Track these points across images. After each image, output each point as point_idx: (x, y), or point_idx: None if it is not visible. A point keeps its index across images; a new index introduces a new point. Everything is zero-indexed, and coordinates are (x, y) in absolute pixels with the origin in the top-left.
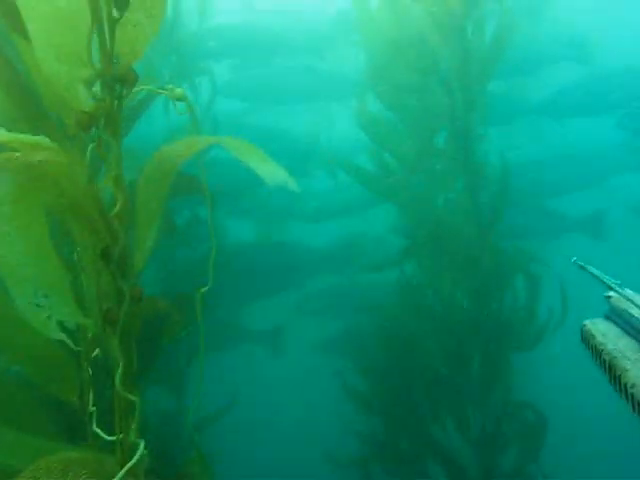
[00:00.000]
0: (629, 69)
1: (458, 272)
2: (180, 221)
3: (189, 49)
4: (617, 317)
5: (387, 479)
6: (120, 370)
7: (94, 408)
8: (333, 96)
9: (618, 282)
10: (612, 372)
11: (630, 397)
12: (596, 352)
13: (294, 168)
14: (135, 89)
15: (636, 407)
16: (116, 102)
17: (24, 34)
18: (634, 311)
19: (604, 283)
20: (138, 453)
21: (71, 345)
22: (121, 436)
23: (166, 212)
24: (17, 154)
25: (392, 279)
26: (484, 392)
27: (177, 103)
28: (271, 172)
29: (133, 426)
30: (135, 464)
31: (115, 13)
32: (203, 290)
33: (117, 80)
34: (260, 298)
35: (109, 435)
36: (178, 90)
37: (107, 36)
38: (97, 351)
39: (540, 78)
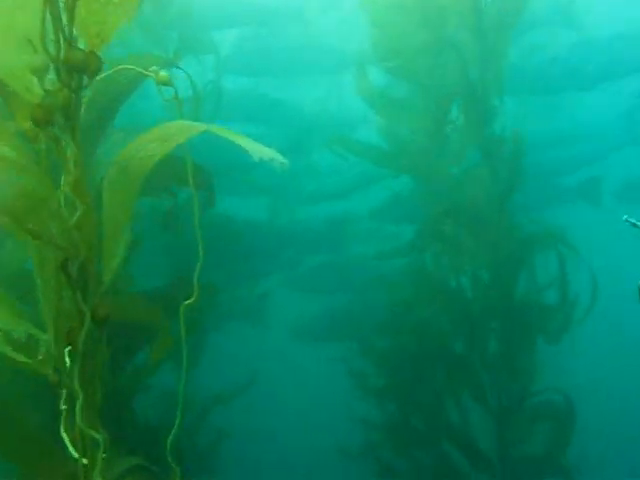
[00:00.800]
0: (623, 36)
1: (475, 247)
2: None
3: (189, 21)
4: None
5: (401, 463)
6: (80, 403)
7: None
8: (340, 69)
9: None
10: None
11: None
12: None
13: (298, 144)
14: (117, 69)
15: None
16: (74, 94)
17: None
18: None
19: None
20: None
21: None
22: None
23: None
24: None
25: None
26: (504, 374)
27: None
28: (259, 149)
29: (98, 466)
30: None
31: None
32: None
33: (76, 68)
34: (257, 277)
35: None
36: (162, 74)
37: (64, 17)
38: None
39: (527, 43)
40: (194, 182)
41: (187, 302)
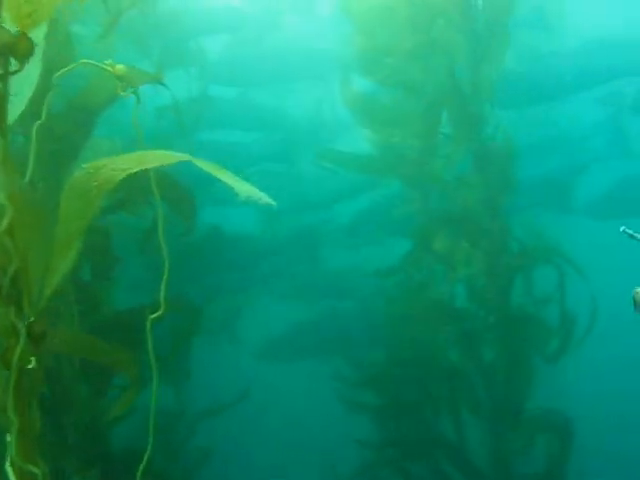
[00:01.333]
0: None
1: (469, 256)
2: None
3: (175, 28)
4: None
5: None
6: (15, 433)
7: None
8: (328, 75)
9: None
10: None
11: None
12: None
13: (285, 151)
14: (73, 65)
15: None
16: (0, 80)
17: None
18: None
19: None
20: None
21: None
22: None
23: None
24: None
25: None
26: (501, 388)
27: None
28: (245, 188)
29: None
30: None
31: None
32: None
33: (2, 51)
34: (239, 289)
35: None
36: (119, 67)
37: None
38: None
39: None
40: (173, 198)
41: (153, 316)
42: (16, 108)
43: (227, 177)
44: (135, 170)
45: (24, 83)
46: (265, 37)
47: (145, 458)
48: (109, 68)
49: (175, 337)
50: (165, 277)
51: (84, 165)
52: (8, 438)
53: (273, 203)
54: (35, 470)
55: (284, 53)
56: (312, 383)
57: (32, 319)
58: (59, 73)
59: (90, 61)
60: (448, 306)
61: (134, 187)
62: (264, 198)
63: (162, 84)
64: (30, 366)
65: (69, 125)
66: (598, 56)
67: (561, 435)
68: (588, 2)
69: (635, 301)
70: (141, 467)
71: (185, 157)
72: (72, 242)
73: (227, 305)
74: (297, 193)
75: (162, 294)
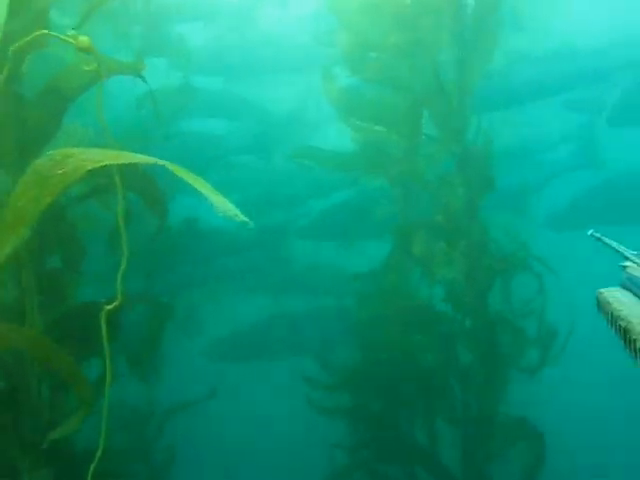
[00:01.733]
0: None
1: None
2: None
3: (156, 16)
4: (633, 285)
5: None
6: None
7: None
8: (312, 68)
9: (635, 252)
10: (627, 336)
11: None
12: (612, 318)
13: (263, 144)
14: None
15: None
16: None
17: None
18: None
19: (620, 253)
20: None
21: None
22: None
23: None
24: None
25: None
26: (476, 393)
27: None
28: (222, 203)
29: None
30: None
31: None
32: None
33: None
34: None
35: None
36: (83, 38)
37: None
38: None
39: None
40: (146, 194)
41: (109, 307)
42: None
43: (203, 187)
44: (103, 164)
45: None
46: (247, 29)
47: (96, 457)
48: (71, 40)
49: (145, 333)
50: (122, 270)
51: (49, 152)
52: None
53: (250, 223)
54: None
55: (267, 46)
56: (284, 383)
57: None
58: (16, 45)
59: (52, 33)
60: (426, 308)
61: (107, 180)
62: (239, 215)
63: (139, 75)
64: None
65: (40, 110)
66: (578, 61)
67: (534, 443)
68: (572, 6)
69: (598, 301)
70: (91, 468)
71: (160, 161)
72: (19, 227)
73: (197, 300)
74: (273, 187)
75: (119, 286)
